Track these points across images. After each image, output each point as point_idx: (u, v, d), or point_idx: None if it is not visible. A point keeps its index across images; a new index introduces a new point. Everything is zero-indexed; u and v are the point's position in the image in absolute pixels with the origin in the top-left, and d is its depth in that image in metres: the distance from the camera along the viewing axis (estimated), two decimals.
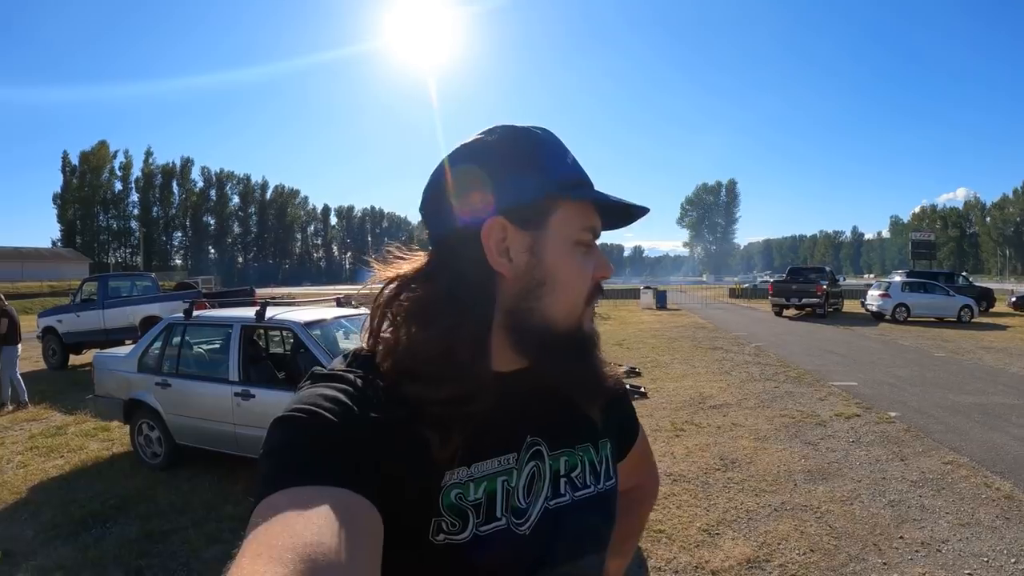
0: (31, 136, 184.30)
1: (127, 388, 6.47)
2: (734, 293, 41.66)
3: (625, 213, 0.89)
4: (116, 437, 7.21)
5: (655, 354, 13.87)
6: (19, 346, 9.90)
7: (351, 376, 0.77)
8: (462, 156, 0.82)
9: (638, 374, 11.18)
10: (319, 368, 0.80)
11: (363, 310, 7.53)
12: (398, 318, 0.81)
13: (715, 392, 9.26)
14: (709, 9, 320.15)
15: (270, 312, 5.93)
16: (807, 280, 23.23)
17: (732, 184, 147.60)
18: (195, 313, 6.37)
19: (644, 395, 9.26)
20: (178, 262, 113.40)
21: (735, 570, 3.99)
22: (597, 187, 0.85)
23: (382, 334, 0.82)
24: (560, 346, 0.81)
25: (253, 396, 5.58)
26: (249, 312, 6.06)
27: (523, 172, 0.81)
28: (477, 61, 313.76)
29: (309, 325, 5.72)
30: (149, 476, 6.14)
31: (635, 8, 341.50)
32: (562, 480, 0.86)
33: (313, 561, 0.53)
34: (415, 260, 0.86)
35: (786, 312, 23.51)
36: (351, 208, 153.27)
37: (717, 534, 4.51)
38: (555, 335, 0.81)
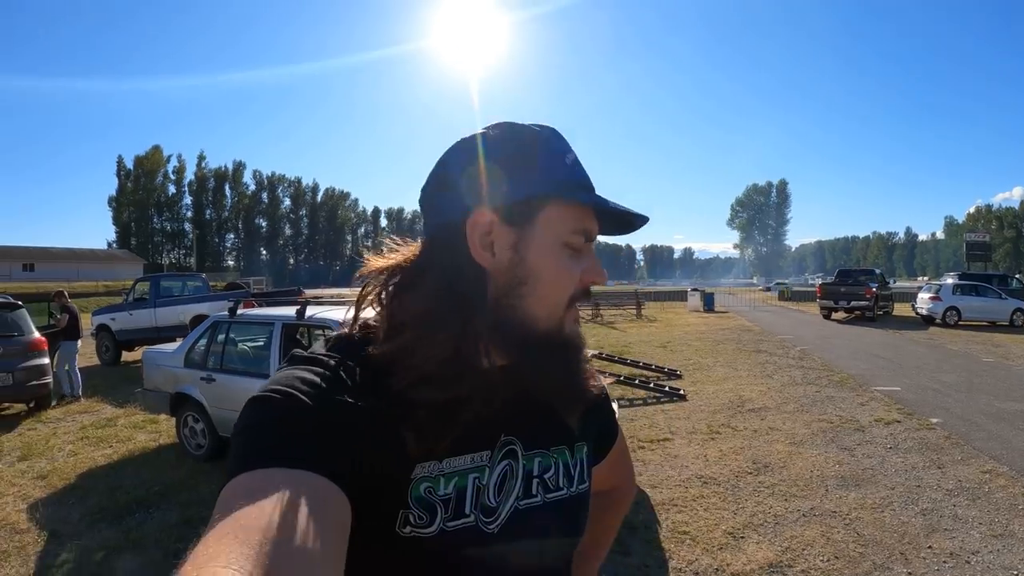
0: (85, 139, 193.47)
1: (174, 382, 6.75)
2: (783, 295, 40.93)
3: (625, 220, 0.87)
4: (163, 429, 7.51)
5: (698, 356, 13.80)
6: (79, 342, 10.60)
7: (330, 360, 0.76)
8: (461, 150, 0.83)
9: (679, 376, 11.13)
10: (299, 351, 0.80)
11: None
12: (392, 308, 0.81)
13: (755, 395, 9.19)
14: (753, 10, 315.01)
15: (310, 311, 6.12)
16: (856, 282, 22.70)
17: (783, 184, 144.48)
18: (239, 312, 6.61)
19: (683, 397, 9.23)
20: (230, 263, 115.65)
21: (756, 574, 3.99)
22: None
23: (370, 321, 0.83)
24: (540, 346, 0.80)
25: None
26: (290, 311, 6.27)
27: (517, 169, 0.80)
28: (521, 64, 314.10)
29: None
30: (193, 466, 6.41)
31: (679, 9, 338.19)
32: (535, 481, 0.85)
33: (278, 543, 0.53)
34: (407, 251, 0.88)
35: (834, 315, 22.98)
36: (401, 210, 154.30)
37: (742, 537, 4.50)
38: (535, 335, 0.80)
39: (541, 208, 0.80)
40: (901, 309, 24.09)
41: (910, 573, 3.95)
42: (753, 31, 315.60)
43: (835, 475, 5.72)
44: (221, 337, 6.58)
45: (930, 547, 4.29)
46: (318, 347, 0.81)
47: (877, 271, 25.01)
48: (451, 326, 0.77)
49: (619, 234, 0.92)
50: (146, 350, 7.60)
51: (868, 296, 21.56)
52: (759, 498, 5.23)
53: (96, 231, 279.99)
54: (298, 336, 7.17)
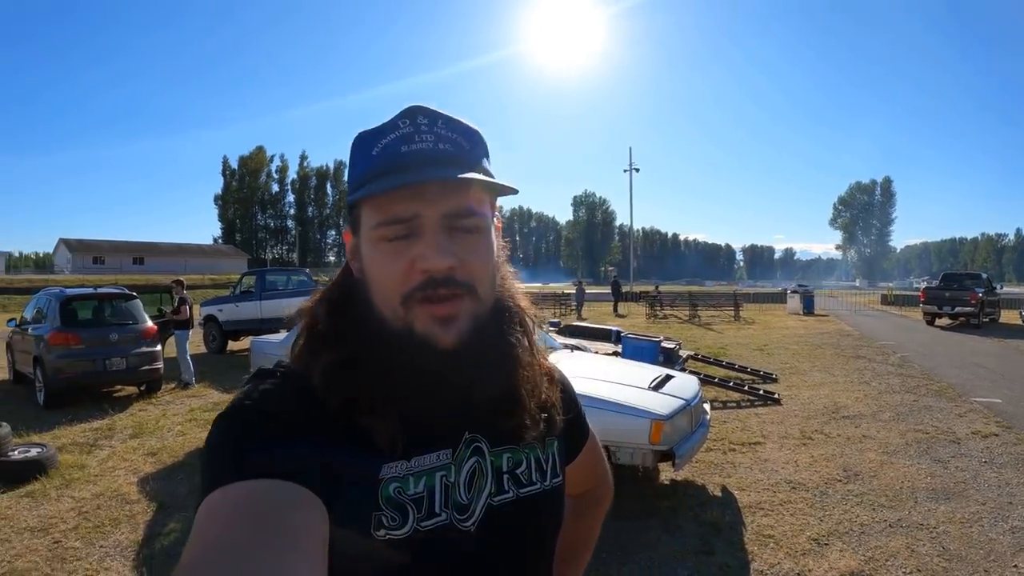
0: (193, 143, 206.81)
1: None
2: (886, 299, 39.25)
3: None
4: None
5: (795, 360, 13.65)
6: (190, 331, 11.81)
7: (290, 371, 0.80)
8: None
9: (774, 380, 11.12)
10: (264, 366, 0.85)
11: None
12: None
13: (850, 402, 9.11)
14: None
15: None
16: (962, 287, 21.52)
17: (887, 183, 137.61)
18: None
19: (777, 402, 9.26)
20: (332, 259, 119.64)
21: None
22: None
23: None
24: (398, 347, 0.76)
25: None
26: None
27: (349, 177, 0.83)
28: (617, 58, 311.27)
29: None
30: None
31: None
32: (505, 477, 0.86)
33: (245, 570, 0.56)
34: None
35: (938, 321, 22.00)
36: (500, 208, 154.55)
37: (826, 544, 4.62)
38: (392, 335, 0.76)
39: (360, 209, 0.79)
40: (1008, 316, 22.81)
41: None
42: (857, 20, 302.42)
43: (926, 487, 5.71)
44: None
45: (1015, 566, 4.25)
46: (282, 359, 0.85)
47: (984, 275, 23.66)
48: (333, 340, 0.79)
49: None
50: (254, 340, 8.19)
51: (973, 302, 20.50)
52: (846, 506, 5.31)
53: (203, 227, 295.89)
54: None
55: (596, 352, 9.02)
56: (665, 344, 10.83)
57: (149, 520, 5.16)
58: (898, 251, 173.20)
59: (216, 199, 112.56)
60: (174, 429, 7.93)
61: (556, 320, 16.39)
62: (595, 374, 5.92)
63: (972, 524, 4.93)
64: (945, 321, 21.81)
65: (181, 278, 12.59)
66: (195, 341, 15.20)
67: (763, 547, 4.62)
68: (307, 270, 19.05)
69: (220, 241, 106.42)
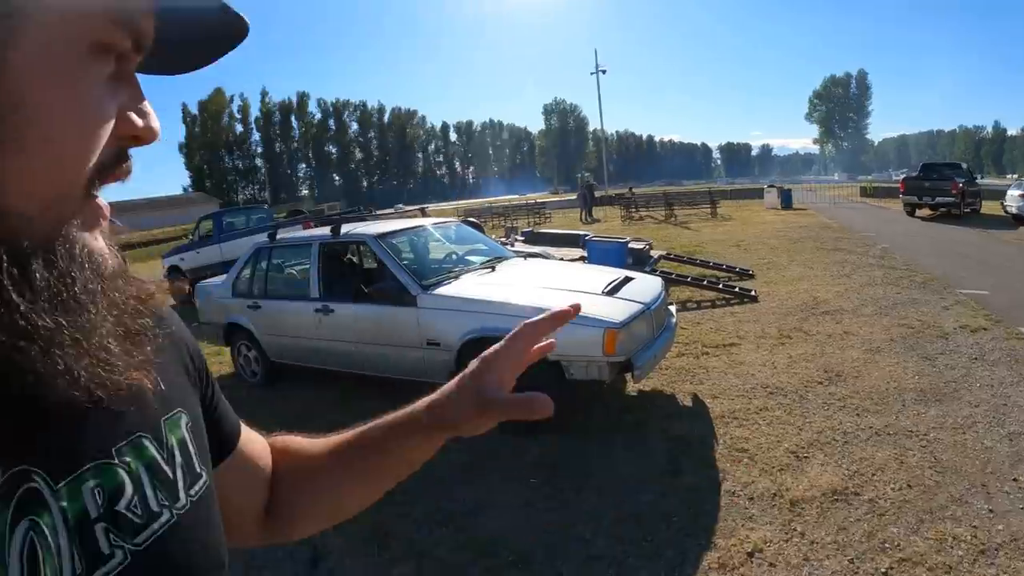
0: (147, 91, 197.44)
1: (225, 313, 6.79)
2: (865, 192, 38.69)
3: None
4: (226, 359, 7.57)
5: (773, 255, 13.14)
6: None
7: None
8: None
9: (751, 276, 10.66)
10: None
11: (447, 219, 7.48)
12: None
13: (831, 297, 8.62)
14: None
15: (345, 228, 6.00)
16: (941, 177, 20.76)
17: (862, 75, 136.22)
18: (278, 236, 6.51)
19: (754, 299, 8.81)
20: (304, 192, 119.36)
21: (817, 502, 3.64)
22: None
23: None
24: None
25: (332, 311, 5.72)
26: (326, 230, 6.12)
27: None
28: None
29: (383, 237, 5.71)
30: (249, 394, 6.52)
31: None
32: (99, 528, 0.48)
33: None
34: None
35: (919, 212, 21.36)
36: (470, 123, 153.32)
37: (805, 457, 4.16)
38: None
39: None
40: (989, 207, 22.21)
41: (991, 511, 3.42)
42: None
43: (913, 388, 5.21)
44: (264, 264, 6.51)
45: (1015, 479, 3.72)
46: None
47: (964, 165, 22.98)
48: None
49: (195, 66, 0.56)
50: (199, 284, 7.64)
51: (954, 192, 19.80)
52: (828, 412, 4.85)
53: (171, 178, 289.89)
54: (350, 256, 7.08)
55: (561, 259, 8.46)
56: (633, 245, 10.31)
57: None
58: (876, 144, 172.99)
59: (180, 148, 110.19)
60: None
61: (528, 229, 15.89)
62: (544, 281, 5.41)
63: (965, 430, 4.41)
64: (926, 212, 21.21)
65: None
66: None
67: (736, 463, 4.15)
68: (266, 206, 18.60)
69: (191, 190, 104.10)
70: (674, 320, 5.62)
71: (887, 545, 3.21)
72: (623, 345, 4.42)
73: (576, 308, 0.77)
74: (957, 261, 11.46)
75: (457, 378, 0.75)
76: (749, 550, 3.26)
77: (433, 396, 0.77)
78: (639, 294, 5.12)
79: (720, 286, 9.39)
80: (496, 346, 0.75)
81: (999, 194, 22.80)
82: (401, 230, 6.15)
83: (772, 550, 3.25)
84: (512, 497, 3.98)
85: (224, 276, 7.26)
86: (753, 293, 9.02)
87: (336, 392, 6.13)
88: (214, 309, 7.03)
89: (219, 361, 7.80)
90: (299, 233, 6.79)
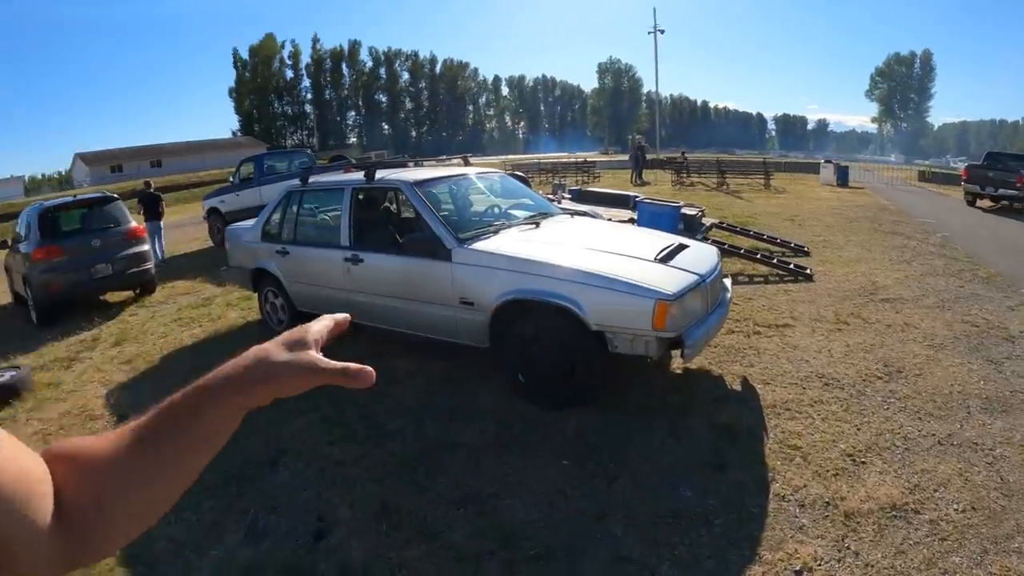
0: (201, 38, 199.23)
1: (253, 258, 6.57)
2: (923, 176, 37.03)
3: None
4: (254, 306, 7.39)
5: (829, 234, 12.48)
6: (162, 222, 13.47)
7: None
8: None
9: (806, 253, 10.11)
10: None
11: (492, 170, 7.07)
12: None
13: (890, 283, 8.07)
14: None
15: (380, 173, 5.63)
16: (1007, 168, 19.38)
17: (928, 56, 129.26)
18: (311, 180, 6.19)
19: (809, 278, 8.32)
20: (352, 140, 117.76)
21: (874, 517, 3.25)
22: None
23: None
24: None
25: (362, 261, 5.39)
26: (361, 175, 5.77)
27: None
28: None
29: (420, 184, 5.32)
30: None
31: None
32: None
33: None
34: None
35: (979, 202, 20.08)
36: (522, 77, 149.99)
37: (863, 463, 3.76)
38: None
39: None
40: None
41: None
42: None
43: (978, 394, 4.70)
44: (294, 208, 6.22)
45: None
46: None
47: None
48: None
49: None
50: (229, 227, 7.42)
51: (1019, 184, 18.49)
52: (888, 412, 4.42)
53: (221, 122, 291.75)
54: (388, 203, 6.75)
55: (609, 219, 8.01)
56: (686, 211, 9.81)
57: None
58: (935, 128, 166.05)
59: (231, 92, 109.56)
60: (157, 332, 7.46)
61: (576, 188, 15.41)
62: (591, 243, 4.93)
63: None
64: (987, 203, 19.99)
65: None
66: (201, 236, 15.52)
67: (787, 462, 3.78)
68: (308, 150, 18.19)
69: (239, 134, 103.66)
70: (729, 295, 5.16)
71: None
72: (674, 320, 4.00)
73: (346, 320, 0.79)
74: (1021, 258, 10.61)
75: (265, 345, 0.70)
76: (797, 568, 2.91)
77: (241, 358, 0.70)
78: (694, 264, 4.65)
79: (775, 261, 8.90)
80: (320, 328, 0.75)
81: None
82: (440, 178, 5.74)
83: (823, 571, 2.90)
84: (541, 479, 3.68)
85: (255, 220, 7.00)
86: (808, 272, 8.53)
87: (362, 348, 5.87)
88: (243, 254, 6.80)
89: (249, 307, 7.64)
90: (332, 177, 6.43)
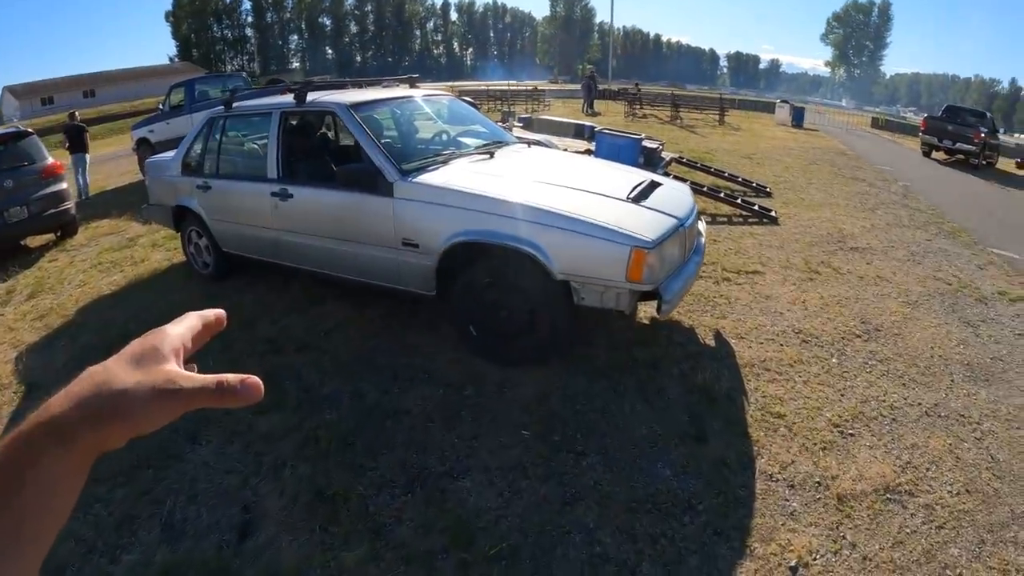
0: None
1: (174, 194, 5.82)
2: (877, 123, 37.11)
3: None
4: (180, 246, 6.71)
5: (789, 175, 12.19)
6: (87, 155, 12.89)
7: None
8: None
9: (768, 194, 9.76)
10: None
11: (440, 92, 6.38)
12: None
13: (857, 232, 7.76)
14: None
15: (313, 95, 4.88)
16: (965, 123, 19.45)
17: (886, 5, 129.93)
18: (235, 104, 5.45)
19: (775, 220, 7.99)
20: (295, 65, 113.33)
21: (868, 500, 2.90)
22: None
23: None
24: None
25: (291, 196, 4.70)
26: (290, 98, 4.98)
27: None
28: None
29: (357, 107, 4.56)
30: (197, 289, 5.78)
31: None
32: None
33: None
34: None
35: (935, 154, 20.16)
36: (472, 3, 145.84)
37: (851, 435, 3.41)
38: None
39: None
40: (1004, 164, 20.77)
41: None
42: None
43: (960, 359, 4.40)
44: (217, 136, 5.45)
45: None
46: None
47: (988, 114, 21.25)
48: None
49: None
50: (149, 159, 6.64)
51: (976, 140, 18.61)
52: (871, 376, 4.08)
53: (157, 49, 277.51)
54: (324, 129, 6.08)
55: (565, 150, 7.44)
56: (647, 143, 9.33)
57: (13, 410, 4.05)
58: (887, 77, 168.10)
59: (167, 16, 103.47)
60: (75, 280, 6.70)
61: (526, 116, 14.75)
62: (553, 177, 4.31)
63: (1021, 424, 3.62)
64: (941, 156, 20.09)
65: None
66: (132, 169, 14.51)
67: (772, 433, 3.40)
68: (244, 74, 17.07)
69: (176, 60, 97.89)
70: (703, 241, 4.61)
71: (949, 572, 2.53)
72: (652, 270, 3.45)
73: (219, 319, 0.63)
74: (983, 216, 10.39)
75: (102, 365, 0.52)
76: (793, 563, 2.55)
77: (75, 386, 0.50)
78: (671, 205, 4.06)
79: (739, 201, 8.51)
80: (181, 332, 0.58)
81: (1010, 152, 21.64)
82: (381, 100, 4.98)
83: (819, 566, 2.55)
84: (498, 455, 3.21)
85: (175, 151, 6.18)
86: (773, 214, 8.18)
87: (295, 294, 5.33)
88: (163, 189, 6.03)
89: (175, 247, 6.95)
90: (259, 101, 5.64)
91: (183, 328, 0.58)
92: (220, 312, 0.63)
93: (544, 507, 2.83)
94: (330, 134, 6.23)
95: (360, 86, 6.00)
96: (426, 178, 4.08)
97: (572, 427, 3.40)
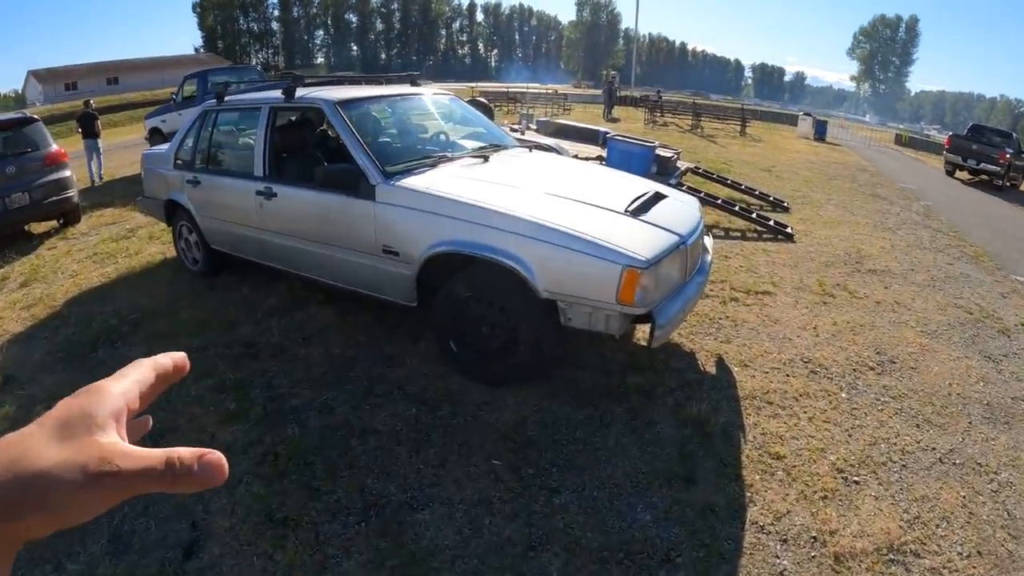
0: None
1: (166, 187, 5.66)
2: (900, 140, 36.50)
3: None
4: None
5: (807, 189, 11.87)
6: (100, 141, 13.04)
7: None
8: None
9: (786, 209, 9.45)
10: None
11: (440, 91, 6.11)
12: None
13: (876, 252, 7.43)
14: None
15: (302, 91, 4.62)
16: (990, 143, 18.93)
17: (913, 21, 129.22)
18: (227, 97, 5.25)
19: (790, 237, 7.68)
20: (320, 60, 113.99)
21: (869, 560, 2.61)
22: None
23: None
24: None
25: (275, 195, 4.48)
26: (279, 93, 4.74)
27: None
28: None
29: (345, 104, 4.32)
30: (187, 285, 5.63)
31: None
32: None
33: None
34: None
35: (958, 173, 19.66)
36: (498, 5, 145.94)
37: (856, 482, 3.11)
38: None
39: None
40: None
41: None
42: None
43: (979, 399, 4.08)
44: (209, 131, 5.25)
45: None
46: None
47: (1014, 135, 20.41)
48: None
49: None
50: (145, 152, 6.48)
51: (1002, 161, 18.07)
52: (883, 415, 3.78)
53: (183, 39, 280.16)
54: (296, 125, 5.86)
55: (575, 156, 7.15)
56: (661, 152, 9.03)
57: None
58: (912, 94, 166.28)
59: (194, 7, 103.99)
60: (69, 269, 6.58)
61: (544, 119, 14.48)
62: (549, 185, 4.02)
63: None
64: (965, 175, 19.59)
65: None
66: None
67: (768, 476, 3.11)
68: (258, 67, 17.10)
69: (202, 51, 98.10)
70: (709, 259, 4.27)
71: None
72: (645, 292, 3.17)
73: (179, 366, 0.53)
74: (1007, 240, 9.98)
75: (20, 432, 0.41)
76: None
77: None
78: (673, 220, 3.75)
79: (754, 215, 8.20)
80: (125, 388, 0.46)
81: None
82: (372, 98, 4.78)
83: None
84: (464, 485, 2.96)
85: (169, 144, 6.00)
86: (789, 230, 7.86)
87: (282, 295, 5.15)
88: (156, 182, 5.87)
89: (167, 240, 6.87)
90: (249, 95, 5.41)
91: (128, 383, 0.47)
92: (180, 357, 0.53)
93: (506, 549, 2.58)
94: (326, 132, 6.02)
95: (359, 83, 5.77)
96: (409, 182, 3.83)
97: (548, 459, 3.14)
